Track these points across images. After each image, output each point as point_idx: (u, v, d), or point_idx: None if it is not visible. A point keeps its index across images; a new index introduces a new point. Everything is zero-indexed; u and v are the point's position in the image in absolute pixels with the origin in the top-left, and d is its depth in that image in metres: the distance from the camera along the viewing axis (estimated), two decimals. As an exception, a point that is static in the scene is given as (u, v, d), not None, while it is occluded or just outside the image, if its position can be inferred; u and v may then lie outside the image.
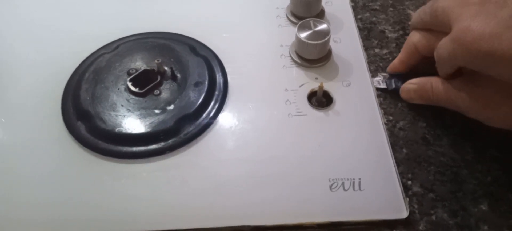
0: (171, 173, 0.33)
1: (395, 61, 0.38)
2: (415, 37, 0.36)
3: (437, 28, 0.33)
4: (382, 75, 0.39)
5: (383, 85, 0.38)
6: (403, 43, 0.42)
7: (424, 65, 0.36)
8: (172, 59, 0.40)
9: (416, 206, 0.31)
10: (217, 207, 0.31)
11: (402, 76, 0.37)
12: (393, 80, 0.38)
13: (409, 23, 0.37)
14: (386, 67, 0.40)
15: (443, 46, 0.31)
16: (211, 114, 0.37)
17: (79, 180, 0.33)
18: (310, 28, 0.39)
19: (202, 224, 0.30)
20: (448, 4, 0.31)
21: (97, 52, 0.42)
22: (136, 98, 0.37)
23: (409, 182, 0.32)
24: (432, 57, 0.34)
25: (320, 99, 0.37)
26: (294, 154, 0.34)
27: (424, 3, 0.46)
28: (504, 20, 0.27)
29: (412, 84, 0.36)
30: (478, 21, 0.28)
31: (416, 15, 0.36)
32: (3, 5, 0.48)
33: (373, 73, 0.39)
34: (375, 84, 0.38)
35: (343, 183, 0.32)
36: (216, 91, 0.38)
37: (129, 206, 0.32)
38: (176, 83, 0.38)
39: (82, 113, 0.36)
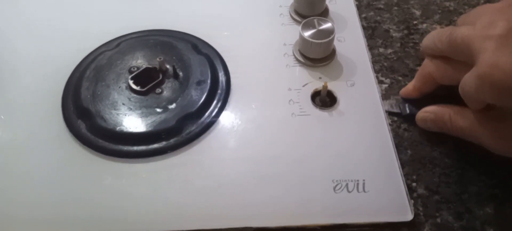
0: (173, 173, 0.33)
1: (409, 87, 0.36)
2: (430, 67, 0.33)
3: (456, 57, 0.31)
4: (395, 99, 0.37)
5: (396, 110, 0.36)
6: (407, 42, 0.42)
7: (440, 90, 0.34)
8: (174, 57, 0.39)
9: (421, 208, 0.31)
10: (219, 208, 0.31)
11: (417, 100, 0.35)
12: (407, 105, 0.36)
13: (421, 46, 0.35)
14: (391, 67, 0.40)
15: (469, 83, 0.28)
16: (214, 113, 0.36)
17: (79, 179, 0.33)
18: (314, 27, 0.38)
19: (204, 225, 0.30)
20: (468, 34, 0.28)
21: (98, 50, 0.41)
22: (138, 96, 0.37)
23: (414, 184, 0.32)
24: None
25: (324, 99, 0.37)
26: (297, 154, 0.33)
27: (429, 3, 0.46)
28: None
29: (428, 113, 0.33)
30: (506, 55, 0.26)
31: (430, 42, 0.33)
32: (4, 2, 0.48)
33: (385, 95, 0.37)
34: (387, 108, 0.36)
35: (347, 184, 0.31)
36: (219, 90, 0.38)
37: (130, 206, 0.31)
38: (178, 81, 0.38)
39: (82, 112, 0.36)
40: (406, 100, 0.36)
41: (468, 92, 0.29)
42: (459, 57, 0.30)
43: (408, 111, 0.35)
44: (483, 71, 0.26)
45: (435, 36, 0.32)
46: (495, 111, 0.29)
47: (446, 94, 0.33)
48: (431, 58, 0.34)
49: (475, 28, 0.28)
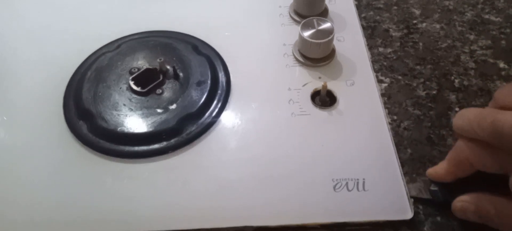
0: (173, 173, 0.33)
1: (440, 170, 0.30)
2: (467, 152, 0.28)
3: (501, 147, 0.26)
4: (422, 181, 0.32)
5: (426, 196, 0.31)
6: (407, 42, 0.42)
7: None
8: (174, 58, 0.40)
9: (420, 207, 0.31)
10: (219, 207, 0.31)
11: (448, 183, 0.30)
12: (439, 190, 0.31)
13: (453, 125, 0.30)
14: (390, 66, 0.40)
15: None
16: (214, 113, 0.36)
17: (80, 180, 0.33)
18: (313, 27, 0.39)
19: (204, 224, 0.30)
20: None
21: (99, 51, 0.42)
22: (138, 97, 0.37)
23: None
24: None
25: (324, 99, 0.37)
26: (298, 154, 0.33)
27: (428, 2, 0.46)
28: None
29: (468, 203, 0.29)
30: None
31: (465, 125, 0.28)
32: (5, 5, 0.48)
33: (411, 178, 0.32)
34: (414, 193, 0.31)
35: (347, 183, 0.32)
36: (219, 90, 0.38)
37: (131, 206, 0.31)
38: (178, 82, 0.38)
39: (83, 113, 0.36)
40: (436, 182, 0.31)
41: None
42: (506, 148, 0.26)
43: (441, 198, 0.30)
44: None
45: (472, 120, 0.27)
46: None
47: (480, 174, 0.29)
48: (467, 141, 0.29)
49: None
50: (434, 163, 0.33)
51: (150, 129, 0.35)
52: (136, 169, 0.33)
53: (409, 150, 0.34)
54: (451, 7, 0.46)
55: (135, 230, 0.30)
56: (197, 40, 0.42)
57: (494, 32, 0.43)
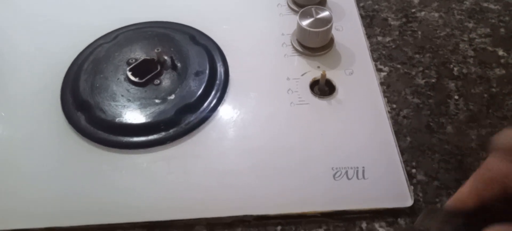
0: (172, 163, 0.33)
1: (465, 192, 0.25)
2: (504, 170, 0.24)
3: None
4: (442, 217, 0.26)
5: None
6: (406, 31, 0.42)
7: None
8: (172, 49, 0.39)
9: (420, 194, 0.31)
10: (219, 197, 0.31)
11: (468, 215, 0.25)
12: (462, 226, 0.25)
13: (494, 143, 0.25)
14: (389, 55, 0.40)
15: None
16: (212, 104, 0.36)
17: (79, 171, 0.33)
18: (311, 16, 0.38)
19: (204, 214, 0.30)
20: None
21: (96, 43, 0.41)
22: (136, 88, 0.37)
23: (414, 170, 0.32)
24: None
25: (323, 88, 0.37)
26: (297, 143, 0.33)
27: (427, -10, 0.46)
28: None
29: None
30: None
31: (508, 139, 0.24)
32: (1, -2, 0.48)
33: (427, 215, 0.27)
34: None
35: (346, 172, 0.31)
36: (217, 80, 0.38)
37: (130, 197, 0.31)
38: (176, 72, 0.38)
39: (81, 104, 0.36)
40: (456, 216, 0.26)
41: None
42: None
43: None
44: None
45: None
46: None
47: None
48: (505, 159, 0.24)
49: None
50: (434, 151, 0.33)
51: (149, 120, 0.35)
52: (135, 159, 0.33)
53: (408, 138, 0.34)
54: (449, -4, 0.45)
55: (134, 220, 0.30)
56: (194, 30, 0.42)
57: (493, 20, 0.43)
